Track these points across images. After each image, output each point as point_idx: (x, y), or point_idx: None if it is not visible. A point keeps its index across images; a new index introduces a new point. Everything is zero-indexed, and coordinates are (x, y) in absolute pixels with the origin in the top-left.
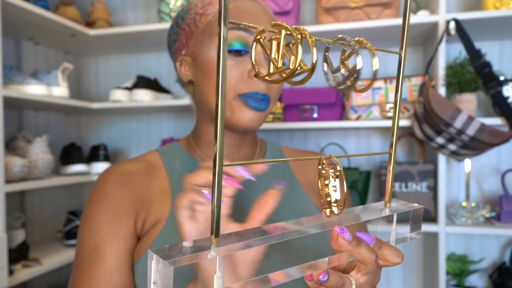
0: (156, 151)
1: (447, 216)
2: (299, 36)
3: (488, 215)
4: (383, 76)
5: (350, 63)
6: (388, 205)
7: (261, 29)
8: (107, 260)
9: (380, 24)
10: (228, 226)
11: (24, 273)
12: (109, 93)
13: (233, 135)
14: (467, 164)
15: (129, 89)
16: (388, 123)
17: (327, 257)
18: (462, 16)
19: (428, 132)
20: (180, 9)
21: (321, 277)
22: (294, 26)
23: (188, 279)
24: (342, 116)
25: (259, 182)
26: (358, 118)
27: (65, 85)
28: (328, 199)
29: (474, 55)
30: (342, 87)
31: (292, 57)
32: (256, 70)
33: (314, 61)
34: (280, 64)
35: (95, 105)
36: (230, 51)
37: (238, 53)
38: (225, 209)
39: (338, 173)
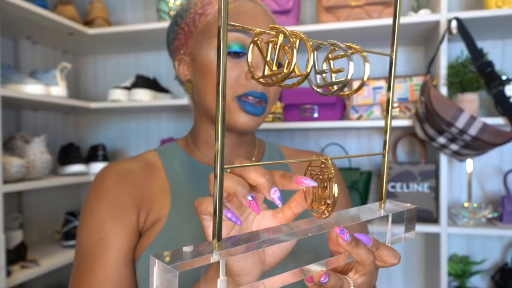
0: (154, 150)
1: (448, 217)
2: (297, 41)
3: (490, 215)
4: (384, 75)
5: (337, 66)
6: (382, 205)
7: (258, 31)
8: (112, 253)
9: (381, 23)
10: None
11: (22, 274)
12: (108, 92)
13: (230, 136)
14: (469, 164)
15: (128, 88)
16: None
17: (325, 259)
18: (464, 15)
19: (430, 132)
20: (179, 7)
21: (322, 279)
22: (291, 30)
23: (189, 285)
24: (343, 116)
25: None
26: (359, 118)
27: (64, 85)
28: (322, 201)
29: (476, 54)
30: (320, 90)
31: (287, 61)
32: (251, 70)
33: (310, 67)
34: (275, 67)
35: (93, 105)
36: (228, 53)
37: (236, 55)
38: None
39: (330, 176)
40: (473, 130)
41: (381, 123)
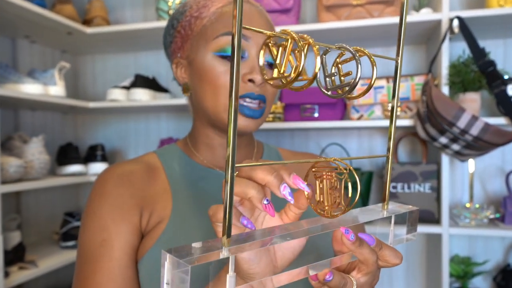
0: (154, 152)
1: (450, 218)
2: (305, 46)
3: (492, 216)
4: (385, 75)
5: (344, 69)
6: (385, 207)
7: (269, 34)
8: (116, 254)
9: (382, 22)
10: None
11: (20, 276)
12: (107, 92)
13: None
14: (471, 164)
15: (127, 88)
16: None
17: (329, 258)
18: (466, 13)
19: (431, 132)
20: (175, 10)
21: (327, 276)
22: (300, 34)
23: (199, 281)
24: (344, 116)
25: None
26: (360, 118)
27: (62, 84)
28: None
29: (478, 53)
30: (329, 93)
31: (295, 65)
32: (263, 73)
33: (317, 71)
34: (282, 70)
35: (92, 105)
36: (226, 57)
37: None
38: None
39: (341, 177)
40: (474, 130)
41: (382, 123)
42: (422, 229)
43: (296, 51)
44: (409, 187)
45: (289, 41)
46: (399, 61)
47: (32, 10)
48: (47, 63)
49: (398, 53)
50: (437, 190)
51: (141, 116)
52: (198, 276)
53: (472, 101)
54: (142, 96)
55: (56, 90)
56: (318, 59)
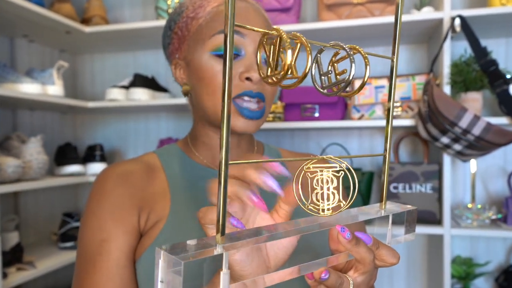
0: (153, 152)
1: (452, 218)
2: (298, 44)
3: (494, 217)
4: (387, 74)
5: (340, 67)
6: (383, 206)
7: (262, 32)
8: (115, 254)
9: (383, 21)
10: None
11: (18, 277)
12: (106, 92)
13: None
14: (473, 164)
15: (126, 87)
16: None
17: (325, 257)
18: (468, 12)
19: (433, 132)
20: (173, 11)
21: (323, 275)
22: (293, 33)
23: (193, 279)
24: (344, 116)
25: None
26: (360, 118)
27: (60, 84)
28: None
29: (480, 52)
30: (325, 91)
31: (283, 63)
32: (260, 71)
33: (307, 70)
34: (272, 67)
35: (91, 104)
36: (220, 56)
37: None
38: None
39: (339, 174)
40: (476, 130)
41: (383, 122)
42: (424, 229)
43: (287, 49)
44: (410, 188)
45: (278, 38)
46: (395, 60)
47: (30, 9)
48: (45, 62)
49: (393, 52)
50: (438, 190)
51: (141, 116)
52: (192, 275)
53: (474, 100)
54: (141, 95)
55: (54, 90)
56: (310, 58)
